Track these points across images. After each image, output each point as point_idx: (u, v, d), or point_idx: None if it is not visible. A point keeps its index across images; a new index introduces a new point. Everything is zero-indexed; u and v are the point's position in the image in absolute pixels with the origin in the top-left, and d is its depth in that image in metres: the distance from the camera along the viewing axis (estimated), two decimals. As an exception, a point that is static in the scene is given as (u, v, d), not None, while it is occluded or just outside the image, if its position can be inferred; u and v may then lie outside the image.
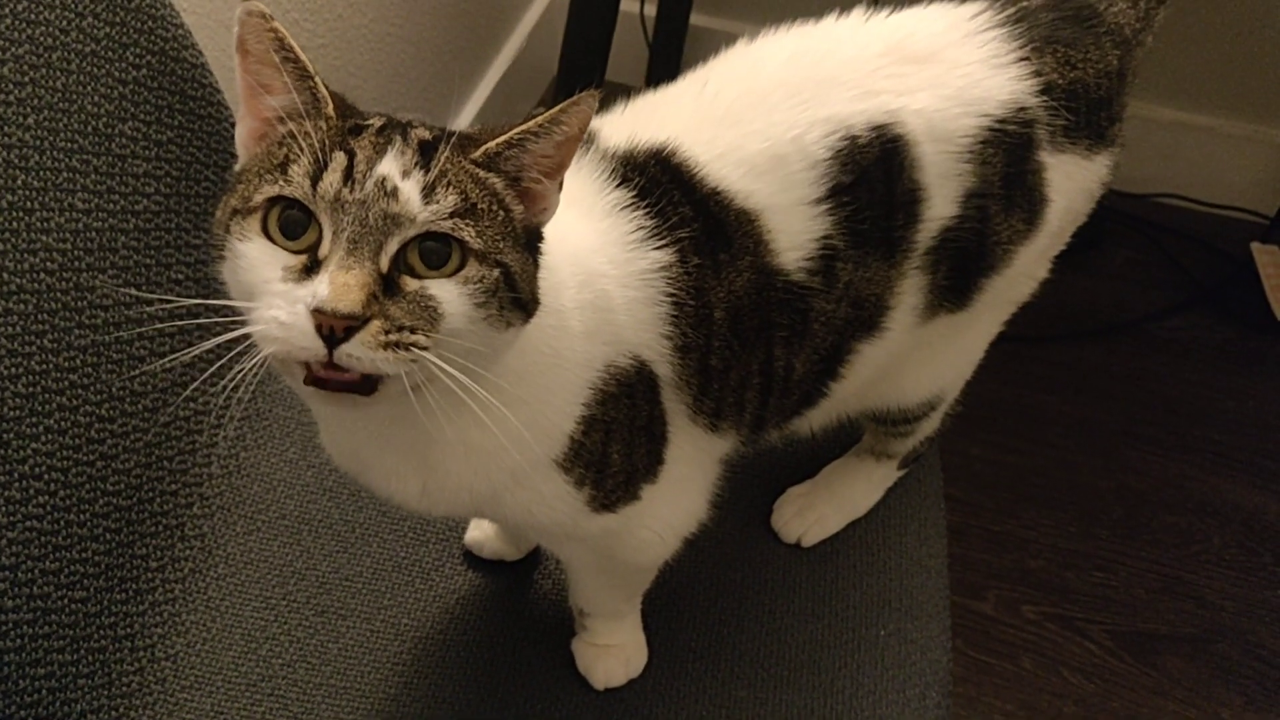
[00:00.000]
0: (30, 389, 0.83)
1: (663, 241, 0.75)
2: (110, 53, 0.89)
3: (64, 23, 0.86)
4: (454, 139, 0.63)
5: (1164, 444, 1.83)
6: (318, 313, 0.57)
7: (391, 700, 0.94)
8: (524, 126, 0.63)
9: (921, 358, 0.91)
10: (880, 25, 0.83)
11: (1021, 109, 0.81)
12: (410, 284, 0.60)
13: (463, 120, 1.99)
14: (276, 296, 0.59)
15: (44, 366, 0.84)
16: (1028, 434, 1.84)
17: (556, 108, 0.63)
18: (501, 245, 0.63)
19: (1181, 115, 2.01)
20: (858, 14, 0.83)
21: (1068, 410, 1.88)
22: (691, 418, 0.81)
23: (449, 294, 0.61)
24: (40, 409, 0.83)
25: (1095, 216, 0.93)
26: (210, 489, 1.02)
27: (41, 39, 0.84)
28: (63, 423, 0.85)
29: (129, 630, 0.91)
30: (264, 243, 0.61)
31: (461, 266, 0.62)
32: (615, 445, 0.77)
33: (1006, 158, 0.81)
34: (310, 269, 0.59)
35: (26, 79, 0.83)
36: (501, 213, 0.64)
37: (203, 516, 1.00)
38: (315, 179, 0.60)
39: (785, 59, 0.81)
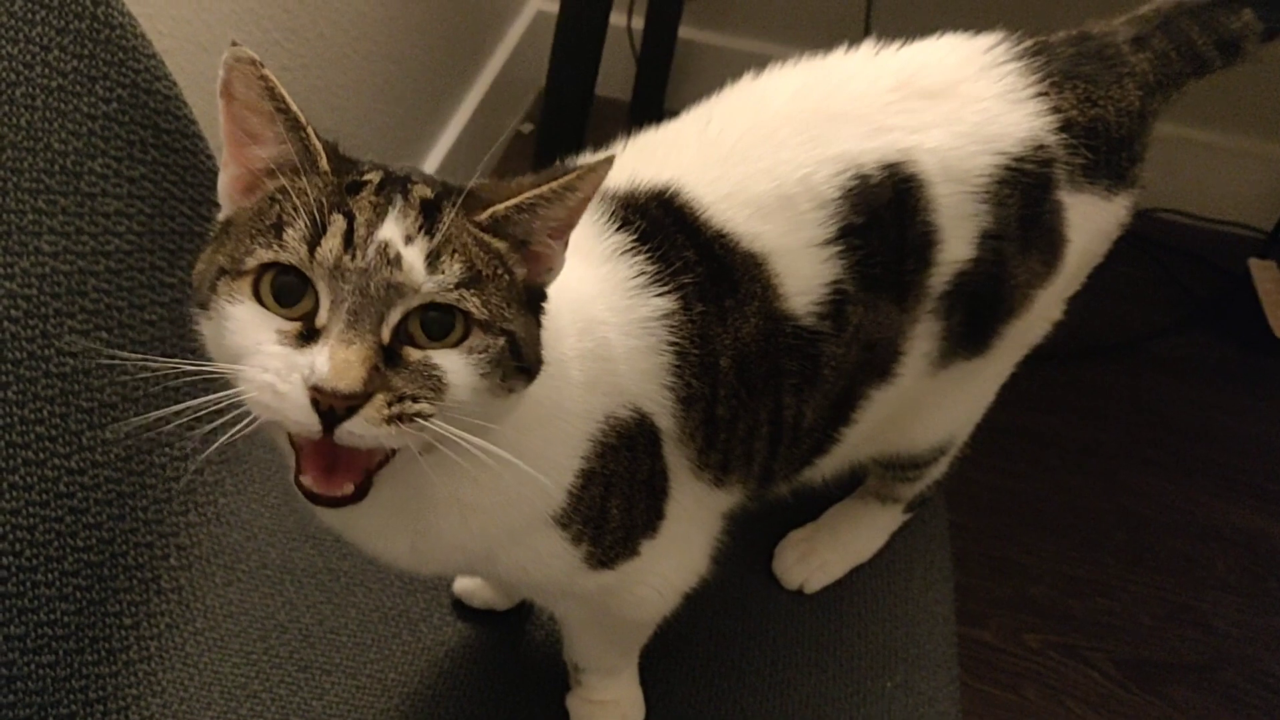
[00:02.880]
0: (-7, 445, 0.78)
1: (665, 288, 0.72)
2: (78, 87, 0.85)
3: (28, 57, 0.81)
4: (458, 199, 0.59)
5: (1165, 466, 1.80)
6: (315, 390, 0.53)
7: (377, 759, 0.90)
8: (536, 191, 0.59)
9: (934, 403, 0.88)
10: (892, 59, 0.79)
11: (1040, 147, 0.77)
12: (413, 354, 0.57)
13: (448, 137, 1.95)
14: (271, 358, 0.55)
15: (8, 420, 0.79)
16: (1026, 456, 1.80)
17: (573, 173, 0.59)
18: (507, 313, 0.59)
19: (1180, 130, 1.98)
20: (867, 46, 0.80)
21: (1066, 431, 1.84)
22: (695, 473, 0.78)
23: (454, 364, 0.57)
24: (3, 465, 0.79)
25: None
26: (188, 538, 0.97)
27: (4, 75, 0.79)
28: (29, 478, 0.81)
29: (101, 693, 0.86)
30: (255, 307, 0.57)
31: (465, 336, 0.58)
32: (615, 500, 0.73)
33: (1024, 198, 0.77)
34: (307, 336, 0.55)
35: (-11, 116, 0.79)
36: (506, 277, 0.60)
37: (180, 568, 0.96)
38: (312, 244, 0.56)
39: (792, 94, 0.77)
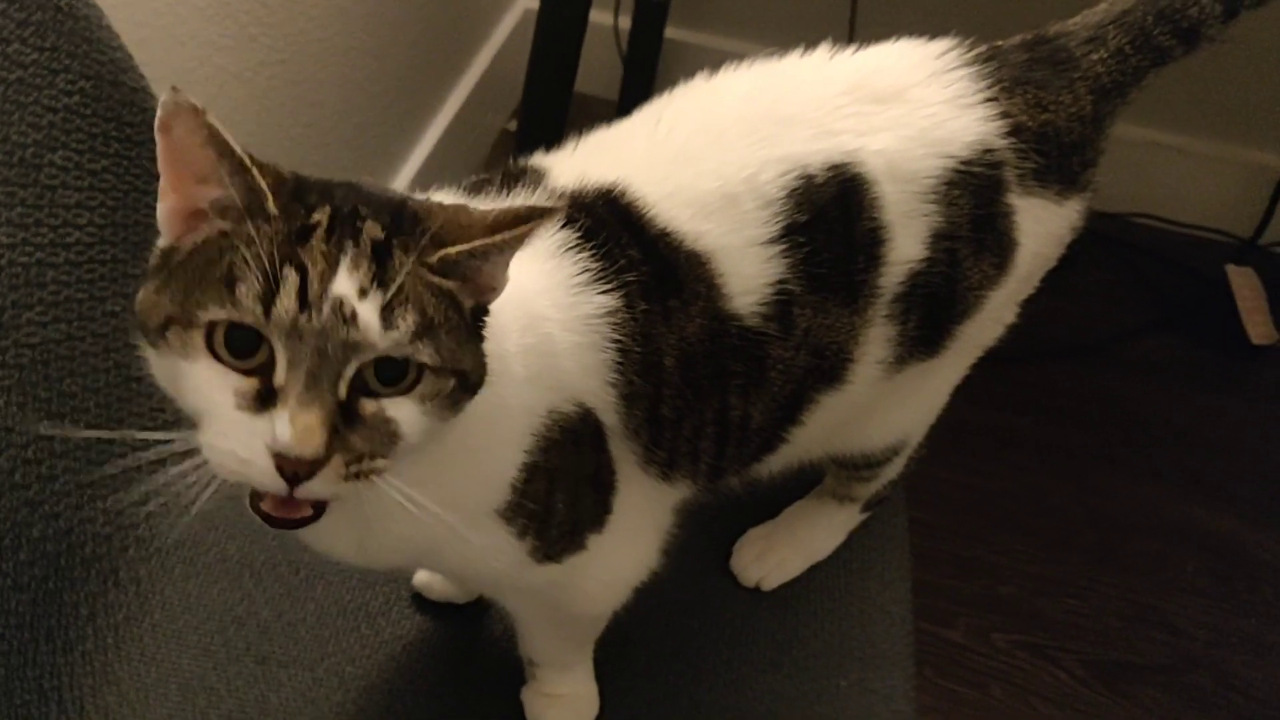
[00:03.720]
0: (-53, 435, 0.79)
1: (608, 285, 0.72)
2: (39, 79, 0.85)
3: (-13, 49, 0.82)
4: (409, 241, 0.59)
5: (1135, 467, 1.81)
6: (279, 456, 0.55)
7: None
8: (492, 240, 0.59)
9: (886, 404, 0.88)
10: (844, 63, 0.80)
11: (988, 150, 0.78)
12: (368, 406, 0.58)
13: (432, 133, 1.95)
14: (231, 425, 0.56)
15: (-37, 410, 0.80)
16: (997, 456, 1.81)
17: (530, 223, 0.59)
18: (459, 353, 0.60)
19: (1157, 135, 1.99)
20: (822, 50, 0.80)
21: (1038, 432, 1.85)
22: (642, 467, 0.78)
23: (407, 413, 0.59)
24: (-42, 455, 0.79)
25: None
26: (147, 530, 0.98)
27: (-38, 67, 0.80)
28: (-16, 468, 0.81)
29: (55, 683, 0.87)
30: (210, 362, 0.57)
31: (418, 380, 0.59)
32: (559, 494, 0.74)
33: (974, 199, 0.78)
34: (264, 397, 0.56)
35: (-53, 108, 0.79)
36: (456, 316, 0.61)
37: (139, 560, 0.96)
38: (267, 302, 0.55)
39: (743, 96, 0.78)
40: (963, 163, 0.77)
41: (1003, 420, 1.85)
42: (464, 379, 0.60)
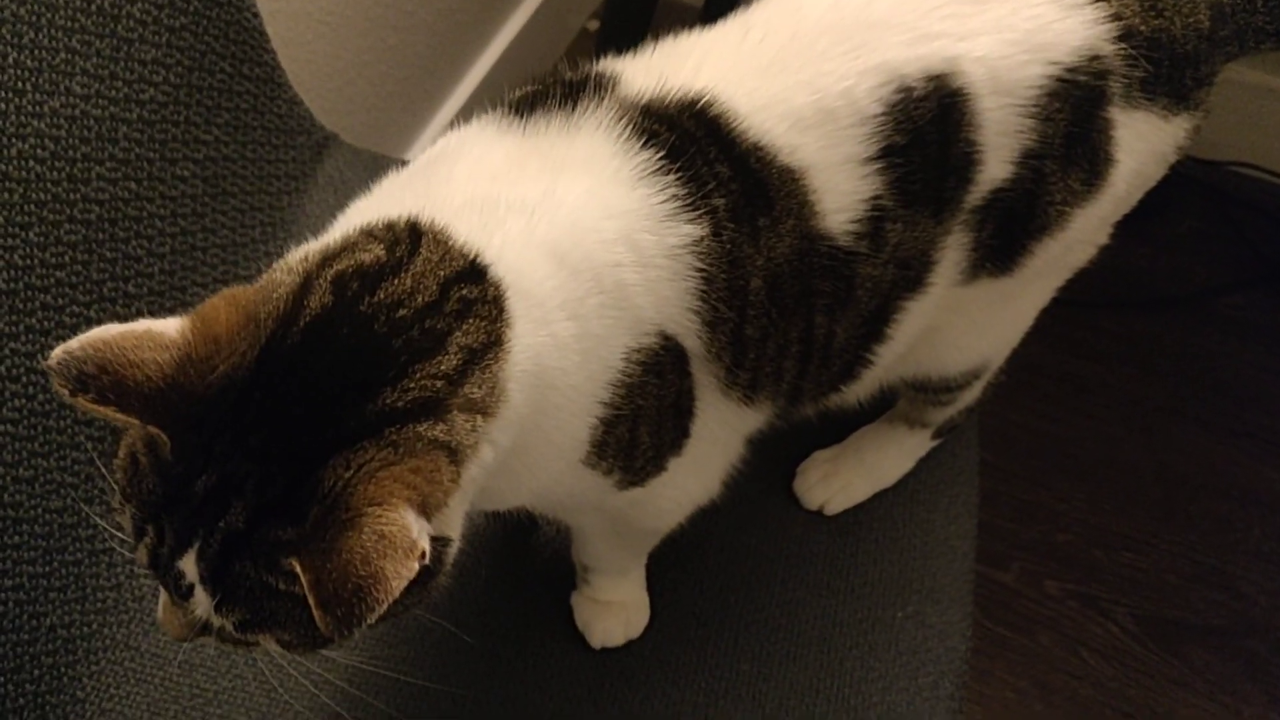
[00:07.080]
0: (11, 285, 0.77)
1: (696, 213, 0.67)
2: (120, -74, 0.82)
3: (69, -112, 0.79)
4: None
5: (1211, 425, 1.74)
6: None
7: (378, 642, 0.90)
8: None
9: (966, 325, 0.84)
10: None
11: (1095, 57, 0.72)
12: None
13: (511, 26, 1.90)
14: None
15: (28, 261, 0.78)
16: (1069, 403, 1.76)
17: None
18: None
19: (1265, 78, 1.88)
20: None
21: (1114, 381, 1.79)
22: (724, 391, 0.75)
23: None
24: (21, 307, 0.78)
25: (1162, 181, 0.84)
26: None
27: (43, -96, 0.77)
28: (45, 323, 0.80)
29: (107, 544, 0.87)
30: None
31: None
32: (643, 428, 0.71)
33: (1072, 113, 0.72)
34: None
35: (26, -53, 0.76)
36: None
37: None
38: None
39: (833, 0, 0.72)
40: (1067, 70, 0.71)
41: (1078, 366, 1.79)
42: None
